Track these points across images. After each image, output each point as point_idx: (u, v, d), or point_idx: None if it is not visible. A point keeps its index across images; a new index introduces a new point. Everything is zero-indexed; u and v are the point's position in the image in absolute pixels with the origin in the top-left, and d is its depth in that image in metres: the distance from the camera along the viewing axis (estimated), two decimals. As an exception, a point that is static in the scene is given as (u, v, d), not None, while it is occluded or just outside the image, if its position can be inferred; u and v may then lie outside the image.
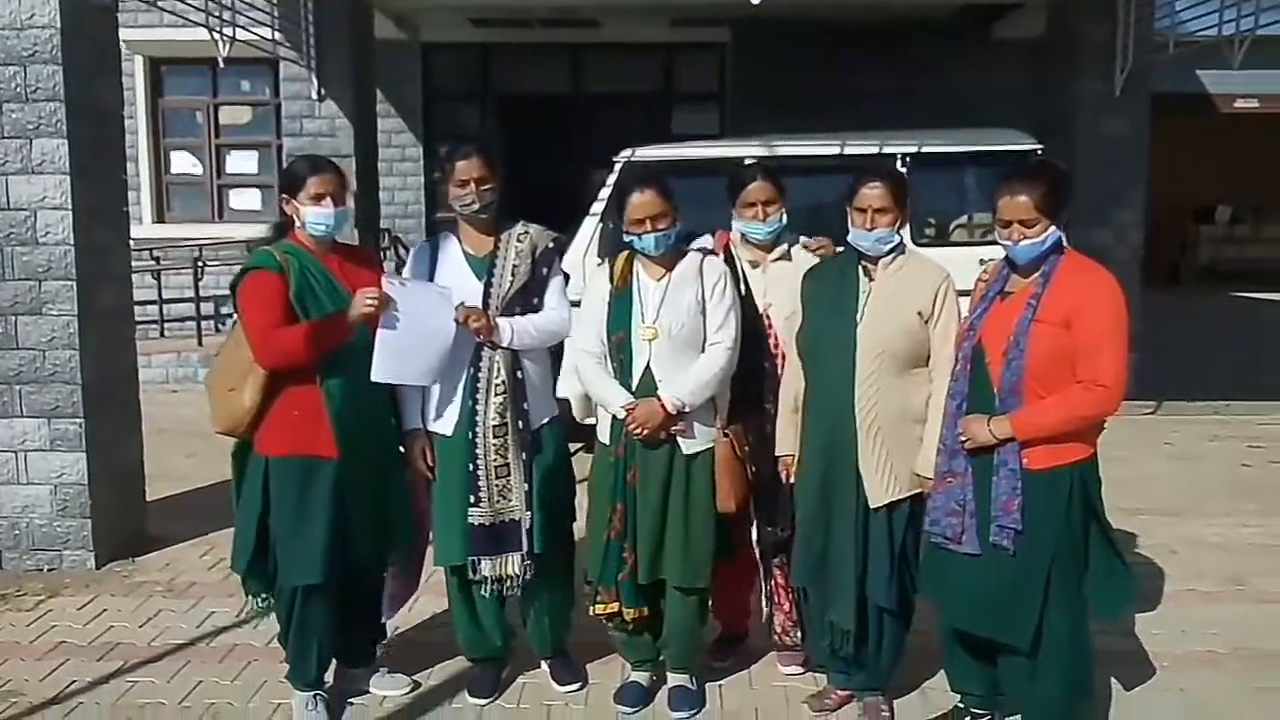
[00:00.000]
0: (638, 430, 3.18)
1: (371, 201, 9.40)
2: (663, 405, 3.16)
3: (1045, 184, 2.85)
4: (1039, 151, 6.37)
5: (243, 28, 7.39)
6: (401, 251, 11.72)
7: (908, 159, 6.47)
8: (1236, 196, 14.60)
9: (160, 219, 11.75)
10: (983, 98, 10.02)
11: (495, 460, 3.29)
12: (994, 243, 3.05)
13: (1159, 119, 8.90)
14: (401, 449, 3.40)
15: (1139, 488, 5.81)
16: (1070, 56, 8.64)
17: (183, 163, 11.91)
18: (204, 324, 10.15)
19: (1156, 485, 6.03)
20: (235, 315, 3.27)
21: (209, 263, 10.29)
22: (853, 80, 10.54)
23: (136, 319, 5.71)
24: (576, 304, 3.42)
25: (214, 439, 3.34)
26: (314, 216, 3.20)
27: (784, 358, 3.38)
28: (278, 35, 8.20)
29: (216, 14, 7.04)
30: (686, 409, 3.19)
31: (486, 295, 3.30)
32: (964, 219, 6.66)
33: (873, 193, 3.10)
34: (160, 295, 10.18)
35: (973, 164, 6.62)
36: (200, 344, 9.69)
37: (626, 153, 6.61)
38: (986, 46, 10.74)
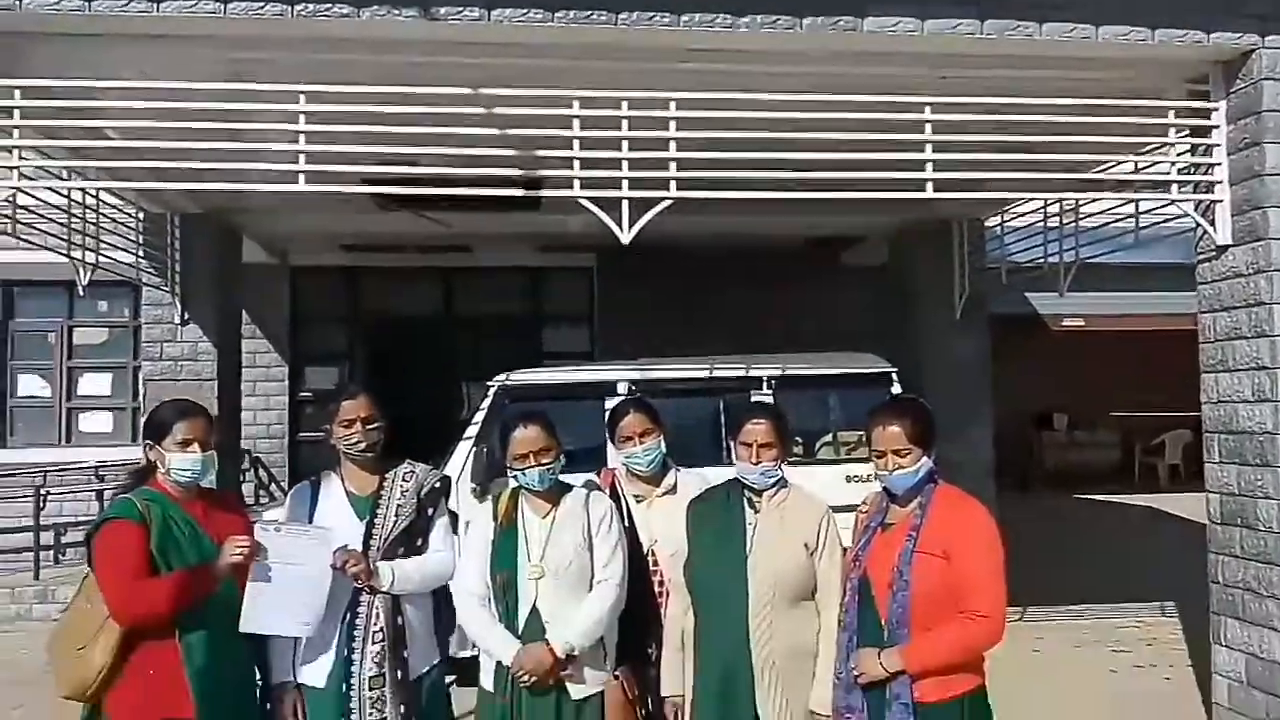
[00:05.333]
0: (526, 679, 3.06)
1: (233, 423, 9.12)
2: (551, 650, 3.06)
3: (914, 416, 2.99)
4: (894, 375, 6.74)
5: (105, 255, 7.24)
6: (262, 474, 11.34)
7: (773, 381, 6.72)
8: (1072, 405, 15.68)
9: (1, 443, 11.15)
10: (837, 317, 10.61)
11: (371, 715, 3.09)
12: (858, 460, 3.14)
13: (998, 338, 9.53)
14: (268, 705, 3.17)
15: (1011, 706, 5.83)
16: (913, 284, 9.28)
17: (30, 385, 11.40)
18: (43, 554, 9.42)
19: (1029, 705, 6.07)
20: (88, 567, 3.05)
21: (53, 489, 9.70)
22: (713, 300, 11.05)
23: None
24: None
25: (45, 689, 3.05)
26: (180, 463, 3.07)
27: (668, 595, 3.34)
28: (141, 260, 8.08)
29: (79, 242, 6.91)
30: (576, 652, 3.09)
31: (368, 537, 3.19)
32: (829, 438, 6.88)
33: (758, 428, 3.19)
34: (-7, 526, 9.46)
35: (834, 386, 6.91)
36: (37, 578, 8.96)
37: (501, 377, 6.66)
38: (837, 271, 11.44)
